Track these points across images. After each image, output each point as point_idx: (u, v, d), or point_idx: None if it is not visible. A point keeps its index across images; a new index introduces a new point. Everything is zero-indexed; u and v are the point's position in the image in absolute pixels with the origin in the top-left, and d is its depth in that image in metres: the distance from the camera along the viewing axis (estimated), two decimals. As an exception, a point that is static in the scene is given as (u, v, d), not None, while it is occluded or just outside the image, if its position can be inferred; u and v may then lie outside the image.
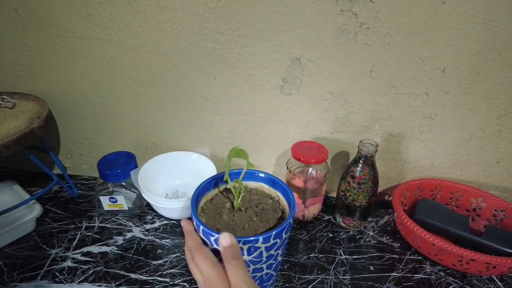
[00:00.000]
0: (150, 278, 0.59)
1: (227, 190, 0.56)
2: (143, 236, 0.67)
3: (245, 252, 0.44)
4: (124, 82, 0.71)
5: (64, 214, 0.72)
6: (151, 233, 0.68)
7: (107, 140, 0.79)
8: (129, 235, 0.68)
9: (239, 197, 0.51)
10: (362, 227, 0.71)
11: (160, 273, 0.60)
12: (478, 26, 0.58)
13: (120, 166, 0.69)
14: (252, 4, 0.60)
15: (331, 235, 0.70)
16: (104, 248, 0.65)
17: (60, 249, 0.64)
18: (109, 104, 0.74)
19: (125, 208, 0.71)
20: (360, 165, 0.64)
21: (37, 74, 0.72)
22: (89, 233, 0.68)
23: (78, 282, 0.58)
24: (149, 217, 0.72)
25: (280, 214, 0.52)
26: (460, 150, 0.72)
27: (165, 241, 0.67)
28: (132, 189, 0.70)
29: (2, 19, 0.66)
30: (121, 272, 0.60)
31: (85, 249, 0.64)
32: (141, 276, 0.60)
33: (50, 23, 0.66)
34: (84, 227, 0.69)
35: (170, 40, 0.65)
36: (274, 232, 0.44)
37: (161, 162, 0.74)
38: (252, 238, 0.42)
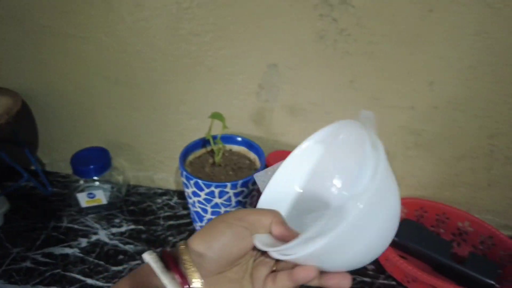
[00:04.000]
0: (106, 284, 0.57)
1: (214, 152, 0.65)
2: (107, 240, 0.65)
3: (216, 195, 0.54)
4: (100, 81, 0.69)
5: (34, 212, 0.71)
6: (116, 237, 0.66)
7: (84, 139, 0.78)
8: (94, 237, 0.66)
9: (219, 154, 0.60)
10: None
11: (117, 279, 0.58)
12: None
13: (93, 162, 0.68)
14: (228, 5, 0.57)
15: None
16: (67, 250, 0.63)
17: (22, 248, 0.63)
18: (86, 103, 0.73)
19: (104, 202, 0.70)
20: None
21: (16, 70, 0.71)
22: (55, 233, 0.66)
23: (33, 284, 0.57)
24: (117, 220, 0.70)
25: (253, 172, 0.59)
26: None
27: (128, 247, 0.64)
28: (104, 185, 0.70)
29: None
30: (78, 277, 0.58)
31: (46, 250, 0.63)
32: (97, 282, 0.58)
33: (28, 18, 0.65)
34: (51, 227, 0.68)
35: (145, 40, 0.63)
36: (240, 181, 0.54)
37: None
38: (222, 184, 0.53)
